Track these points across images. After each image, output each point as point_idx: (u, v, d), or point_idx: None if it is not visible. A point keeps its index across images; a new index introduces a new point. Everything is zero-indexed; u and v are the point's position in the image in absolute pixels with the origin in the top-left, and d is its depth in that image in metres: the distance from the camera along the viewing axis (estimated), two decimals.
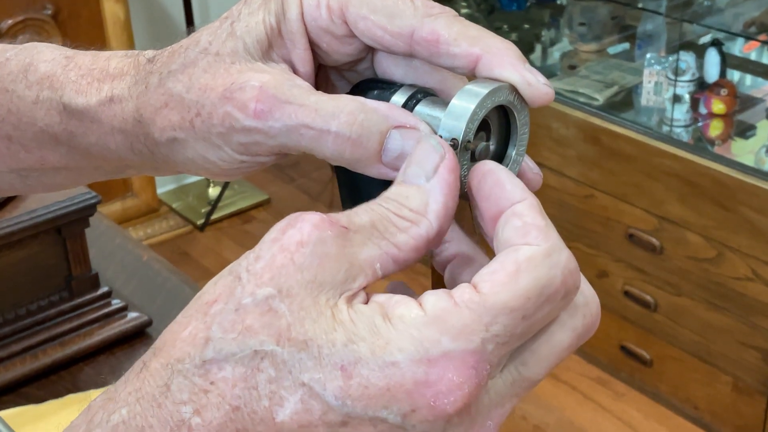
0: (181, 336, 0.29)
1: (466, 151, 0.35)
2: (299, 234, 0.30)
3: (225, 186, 2.73)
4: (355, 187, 0.39)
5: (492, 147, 0.37)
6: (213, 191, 2.86)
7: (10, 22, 2.07)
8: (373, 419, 0.28)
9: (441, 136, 0.35)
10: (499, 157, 0.37)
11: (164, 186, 2.85)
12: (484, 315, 0.29)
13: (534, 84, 0.35)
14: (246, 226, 2.79)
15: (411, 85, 0.38)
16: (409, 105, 0.37)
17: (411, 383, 0.28)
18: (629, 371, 2.09)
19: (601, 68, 2.25)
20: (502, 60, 0.35)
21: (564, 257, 0.31)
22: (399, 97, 0.37)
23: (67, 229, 0.89)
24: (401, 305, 0.29)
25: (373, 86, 0.38)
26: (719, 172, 1.82)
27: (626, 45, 2.34)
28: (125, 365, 0.91)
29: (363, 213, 0.31)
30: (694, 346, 1.95)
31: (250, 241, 2.89)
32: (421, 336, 0.28)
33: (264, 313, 0.28)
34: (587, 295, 0.32)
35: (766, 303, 1.80)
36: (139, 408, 0.28)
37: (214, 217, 2.77)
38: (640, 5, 2.20)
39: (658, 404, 2.05)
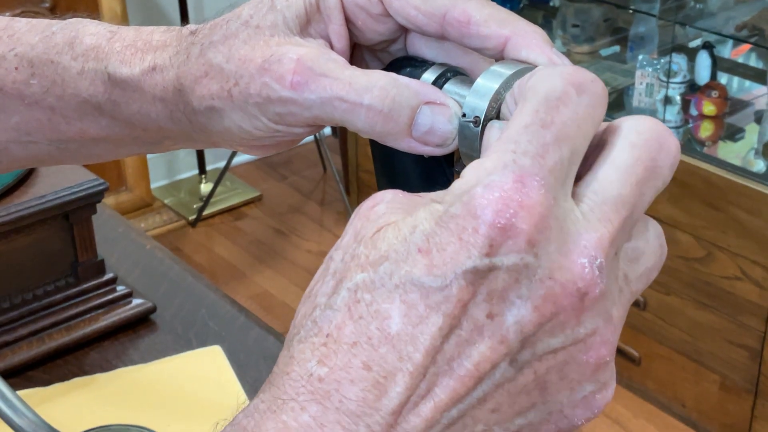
0: (295, 323, 0.31)
1: None
2: (372, 200, 0.32)
3: (217, 182, 2.74)
4: (389, 161, 0.40)
5: None
6: (205, 187, 2.86)
7: (7, 14, 2.07)
8: (466, 275, 0.28)
9: (465, 114, 0.36)
10: None
11: (157, 181, 2.85)
12: (505, 144, 0.30)
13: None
14: (237, 223, 2.79)
15: (442, 64, 0.39)
16: (438, 83, 0.38)
17: (471, 222, 0.28)
18: (618, 369, 2.08)
19: (594, 69, 2.26)
20: (530, 42, 0.36)
21: (561, 67, 0.32)
22: (429, 75, 0.39)
23: (75, 214, 0.90)
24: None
25: (406, 64, 0.40)
26: (709, 173, 1.85)
27: (618, 47, 2.37)
28: (130, 350, 0.92)
29: (439, 192, 0.32)
30: (682, 345, 1.98)
31: (241, 238, 2.86)
32: (462, 188, 0.29)
33: (348, 262, 0.30)
34: (634, 119, 0.32)
35: (754, 302, 1.82)
36: (273, 388, 0.30)
37: (205, 213, 2.77)
38: (632, 7, 2.23)
39: (646, 402, 2.07)
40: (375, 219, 0.31)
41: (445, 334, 0.28)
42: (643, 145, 0.31)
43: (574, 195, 0.31)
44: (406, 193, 0.32)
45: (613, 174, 0.31)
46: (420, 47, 0.40)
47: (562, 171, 0.30)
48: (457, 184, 0.30)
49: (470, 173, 0.30)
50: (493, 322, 0.29)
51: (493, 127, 0.34)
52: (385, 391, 0.28)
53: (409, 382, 0.28)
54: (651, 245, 0.32)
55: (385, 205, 0.31)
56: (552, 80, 0.31)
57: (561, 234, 0.29)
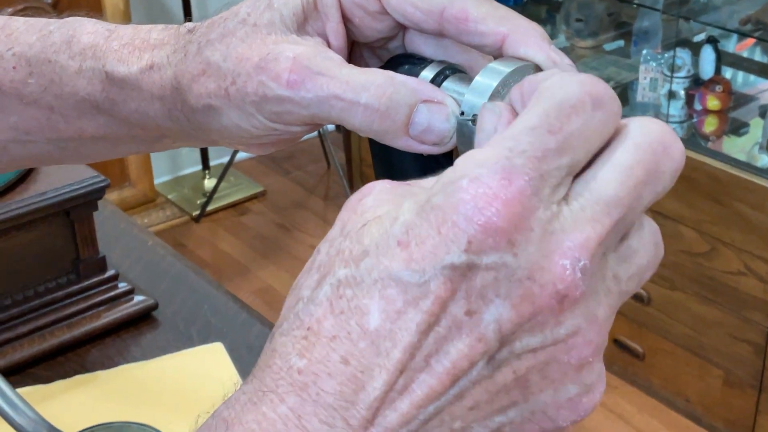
0: (282, 314, 0.31)
1: None
2: (361, 192, 0.31)
3: (221, 177, 2.74)
4: (387, 159, 0.40)
5: None
6: (209, 183, 2.86)
7: (9, 10, 2.07)
8: (445, 271, 0.28)
9: (463, 112, 0.36)
10: None
11: (161, 176, 2.85)
12: (505, 141, 0.29)
13: (559, 63, 0.36)
14: (241, 218, 2.79)
15: (440, 62, 0.39)
16: (436, 80, 0.38)
17: (452, 215, 0.28)
18: (622, 364, 2.11)
19: (597, 64, 2.26)
20: (528, 39, 0.36)
21: (580, 75, 0.31)
22: (428, 73, 0.38)
23: (76, 211, 0.90)
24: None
25: (404, 61, 0.39)
26: (713, 168, 1.84)
27: (622, 42, 2.36)
28: (131, 347, 0.92)
29: (431, 179, 0.31)
30: (686, 340, 1.97)
31: (245, 233, 2.86)
32: (449, 178, 0.29)
33: (333, 256, 0.30)
34: (641, 120, 0.31)
35: (758, 297, 1.82)
36: (255, 381, 0.30)
37: (209, 208, 2.78)
38: (636, 2, 2.22)
39: (650, 397, 2.07)
40: (362, 212, 0.30)
41: (423, 330, 0.28)
42: (647, 147, 0.30)
43: (569, 191, 0.30)
44: (396, 183, 0.31)
45: (612, 174, 0.30)
46: (418, 44, 0.40)
47: (556, 178, 0.29)
48: (446, 173, 0.29)
49: (461, 163, 0.29)
50: (472, 320, 0.28)
51: (486, 109, 0.33)
52: (362, 386, 0.28)
53: (386, 378, 0.28)
54: (645, 244, 0.31)
55: (373, 197, 0.30)
56: (570, 86, 0.30)
57: (544, 235, 0.28)
